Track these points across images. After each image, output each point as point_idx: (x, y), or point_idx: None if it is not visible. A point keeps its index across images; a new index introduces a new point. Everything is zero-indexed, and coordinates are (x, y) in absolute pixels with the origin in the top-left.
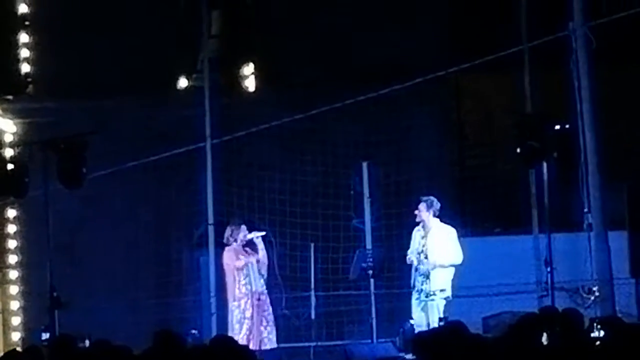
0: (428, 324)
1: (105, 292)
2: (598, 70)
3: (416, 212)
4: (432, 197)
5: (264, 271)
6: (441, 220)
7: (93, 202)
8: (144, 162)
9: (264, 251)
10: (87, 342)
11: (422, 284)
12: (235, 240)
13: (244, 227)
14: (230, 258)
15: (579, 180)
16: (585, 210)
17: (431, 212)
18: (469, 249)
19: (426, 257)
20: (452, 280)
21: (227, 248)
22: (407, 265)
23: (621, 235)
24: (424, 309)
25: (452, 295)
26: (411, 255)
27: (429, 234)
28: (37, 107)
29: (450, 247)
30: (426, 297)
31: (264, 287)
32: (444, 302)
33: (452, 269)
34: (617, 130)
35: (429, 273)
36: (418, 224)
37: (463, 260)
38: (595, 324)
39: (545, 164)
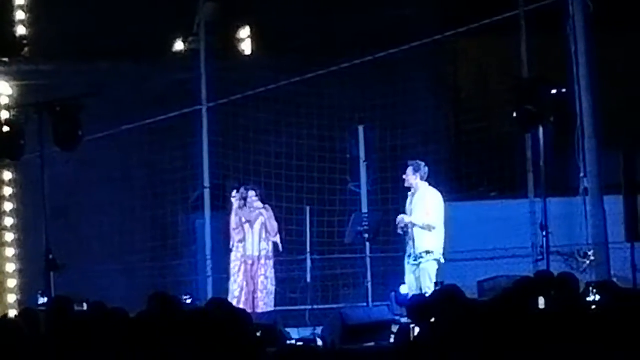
0: (420, 288)
1: (100, 255)
2: (595, 35)
3: (404, 176)
4: (419, 161)
5: (272, 236)
6: (431, 185)
7: (89, 165)
8: (140, 125)
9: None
10: (84, 306)
11: (410, 248)
12: (244, 201)
13: (242, 189)
14: (232, 219)
15: (575, 144)
16: (581, 174)
17: (418, 175)
18: (465, 213)
19: (411, 222)
20: (447, 243)
21: (233, 209)
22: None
23: (617, 199)
24: (415, 273)
25: (447, 258)
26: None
27: (414, 197)
28: (33, 69)
29: (430, 209)
30: (415, 260)
31: (266, 250)
32: (435, 265)
33: (440, 231)
34: (614, 95)
35: (414, 237)
36: (409, 189)
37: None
38: (591, 288)
39: (541, 128)
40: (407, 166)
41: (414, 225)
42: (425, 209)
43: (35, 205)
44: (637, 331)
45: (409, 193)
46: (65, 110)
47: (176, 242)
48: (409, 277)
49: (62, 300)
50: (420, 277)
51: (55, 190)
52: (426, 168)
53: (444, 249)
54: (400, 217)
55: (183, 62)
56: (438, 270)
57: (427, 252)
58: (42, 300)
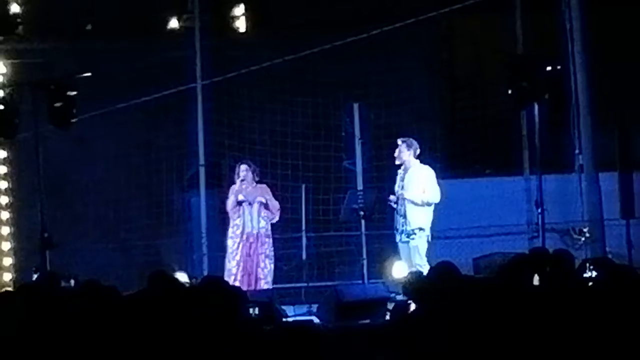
0: (411, 265)
1: (95, 234)
2: (590, 11)
3: (396, 154)
4: (410, 138)
5: (273, 213)
6: (425, 162)
7: (83, 143)
8: (135, 104)
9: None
10: (72, 282)
11: (402, 225)
12: (242, 179)
13: (243, 166)
14: (229, 196)
15: (570, 121)
16: (576, 151)
17: (411, 152)
18: (460, 190)
19: (403, 198)
20: (442, 221)
21: (230, 187)
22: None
23: (612, 176)
24: (404, 250)
25: (443, 236)
26: (394, 196)
27: (407, 174)
28: (27, 48)
29: (427, 186)
30: (407, 237)
31: (265, 229)
32: (425, 242)
33: (430, 209)
34: (609, 72)
35: (405, 213)
36: (400, 166)
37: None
38: (587, 265)
39: (536, 106)
40: (399, 143)
41: (409, 201)
42: (422, 185)
43: (30, 184)
44: (632, 307)
45: (400, 170)
46: (59, 88)
47: (171, 220)
48: (403, 254)
49: (50, 276)
50: (411, 254)
51: (49, 168)
52: (417, 144)
53: (440, 226)
54: (395, 195)
55: (178, 40)
56: (428, 247)
57: (420, 229)
58: (36, 276)
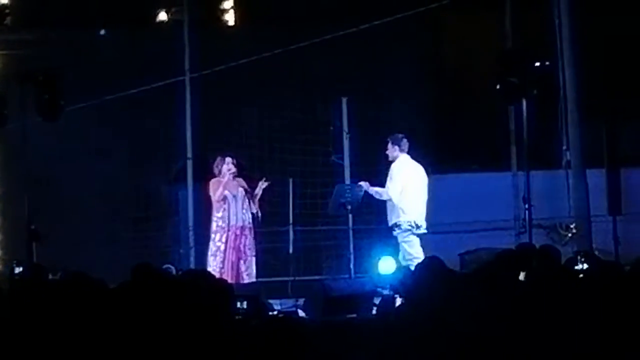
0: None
1: (83, 226)
2: (579, 8)
3: (387, 151)
4: (398, 134)
5: (255, 206)
6: (413, 157)
7: (71, 134)
8: (123, 96)
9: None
10: (58, 275)
11: (389, 220)
12: (220, 172)
13: (229, 159)
14: (212, 189)
15: (558, 117)
16: (564, 147)
17: (397, 147)
18: (447, 185)
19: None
20: (429, 216)
21: (211, 180)
22: (384, 201)
23: (599, 173)
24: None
25: (430, 231)
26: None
27: (391, 171)
28: (15, 39)
29: (400, 180)
30: (393, 230)
31: (249, 221)
32: (409, 237)
33: (414, 203)
34: (597, 68)
35: (386, 208)
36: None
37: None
38: (579, 257)
39: (524, 101)
40: (387, 141)
41: (387, 197)
42: (395, 180)
43: (17, 175)
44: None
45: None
46: (47, 79)
47: (158, 213)
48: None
49: (35, 269)
50: (400, 248)
51: (37, 160)
52: (405, 140)
53: (427, 221)
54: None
55: (166, 32)
56: (413, 242)
57: (396, 225)
58: (18, 269)
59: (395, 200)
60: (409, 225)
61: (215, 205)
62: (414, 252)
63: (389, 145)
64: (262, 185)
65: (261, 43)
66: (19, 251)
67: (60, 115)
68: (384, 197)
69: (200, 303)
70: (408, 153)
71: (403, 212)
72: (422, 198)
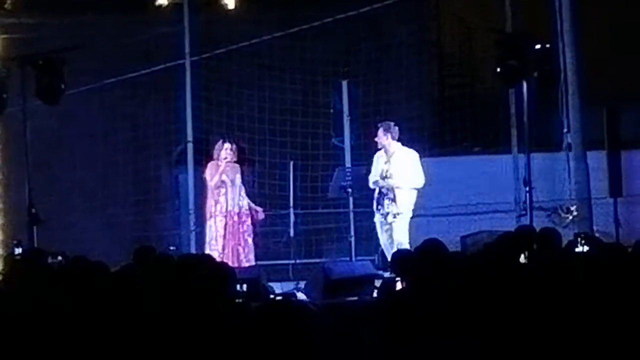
0: (391, 244)
1: (83, 209)
2: None
3: (376, 138)
4: (389, 122)
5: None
6: (413, 140)
7: (72, 118)
8: (123, 79)
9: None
10: (58, 258)
11: (387, 207)
12: (218, 157)
13: (227, 145)
14: (208, 174)
15: (559, 100)
16: (565, 130)
17: (389, 135)
18: (448, 168)
19: (391, 182)
20: (429, 198)
21: (209, 163)
22: None
23: (600, 155)
24: (388, 230)
25: (431, 214)
26: (376, 178)
27: (392, 158)
28: (16, 22)
29: (412, 171)
30: (393, 217)
31: (246, 207)
32: (407, 223)
33: (415, 191)
34: (598, 50)
35: (394, 196)
36: (380, 149)
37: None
38: (579, 239)
39: (525, 84)
40: (377, 128)
41: (397, 186)
42: (409, 171)
43: (17, 159)
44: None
45: (379, 153)
46: (48, 63)
47: (159, 196)
48: (382, 235)
49: (34, 252)
50: (394, 234)
51: (37, 143)
52: (396, 128)
53: (427, 204)
54: (392, 183)
55: (166, 15)
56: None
57: (405, 211)
58: (18, 250)
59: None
60: (412, 210)
61: (210, 189)
62: (407, 237)
63: (380, 132)
64: (260, 216)
65: (261, 26)
66: (20, 235)
67: (60, 99)
68: (411, 187)
69: (201, 286)
70: (398, 140)
71: (412, 199)
72: None
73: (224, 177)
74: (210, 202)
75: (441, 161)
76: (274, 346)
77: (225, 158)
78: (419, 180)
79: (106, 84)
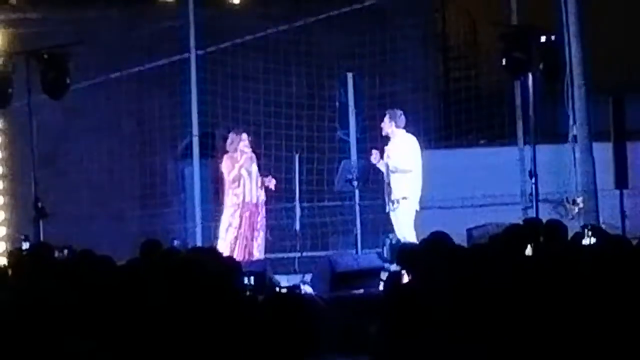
0: (396, 233)
1: (89, 203)
2: None
3: (382, 125)
4: (396, 110)
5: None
6: (413, 132)
7: (77, 113)
8: (129, 73)
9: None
10: (65, 252)
11: (387, 194)
12: (236, 149)
13: (244, 135)
14: (226, 166)
15: (565, 92)
16: (571, 122)
17: (393, 123)
18: (454, 160)
19: (387, 168)
20: (436, 191)
21: (225, 155)
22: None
23: (606, 147)
24: (395, 218)
25: (437, 206)
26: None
27: (391, 143)
28: (21, 17)
29: (404, 154)
30: (392, 205)
31: (263, 198)
32: (411, 212)
33: (416, 178)
34: (603, 41)
35: (390, 182)
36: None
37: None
38: (586, 231)
39: (530, 76)
40: (384, 114)
41: (391, 170)
42: (400, 153)
43: (23, 154)
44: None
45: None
46: (53, 58)
47: (165, 190)
48: (394, 223)
49: (43, 246)
50: (396, 223)
51: (43, 138)
52: (402, 116)
53: (433, 196)
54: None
55: (171, 9)
56: (415, 217)
57: (403, 198)
58: (25, 245)
59: (414, 171)
60: (415, 201)
61: (227, 183)
62: (411, 227)
63: (386, 119)
64: (270, 182)
65: (267, 19)
66: (26, 229)
67: (65, 93)
68: (398, 170)
69: (208, 280)
70: (404, 128)
71: (412, 185)
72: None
73: (242, 171)
74: (228, 195)
75: (447, 154)
76: (278, 338)
77: (243, 150)
78: (409, 163)
79: (111, 78)
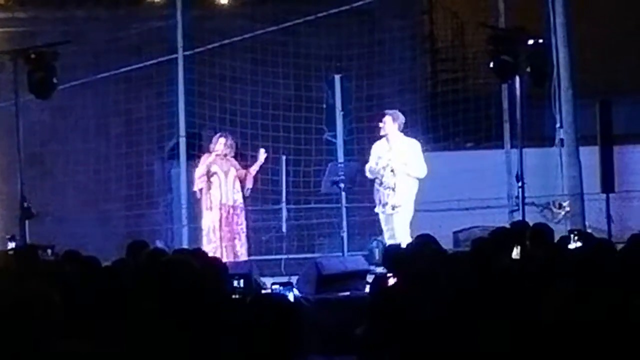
0: (393, 237)
1: (75, 204)
2: None
3: (381, 124)
4: (397, 111)
5: (249, 184)
6: (407, 135)
7: (64, 112)
8: (116, 74)
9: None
10: (49, 252)
11: (387, 197)
12: (209, 150)
13: (222, 139)
14: (199, 165)
15: (552, 95)
16: (557, 125)
17: (396, 125)
18: (441, 163)
19: (392, 171)
20: (419, 194)
21: (203, 156)
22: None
23: (592, 150)
24: (389, 222)
25: (423, 209)
26: (377, 168)
27: (394, 148)
28: (8, 17)
29: (415, 160)
30: (392, 209)
31: (240, 201)
32: (409, 215)
33: (417, 182)
34: (591, 45)
35: (395, 186)
36: (380, 138)
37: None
38: (572, 235)
39: (517, 79)
40: (385, 114)
41: (399, 174)
42: (412, 161)
43: (9, 153)
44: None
45: (378, 143)
46: (40, 57)
47: (151, 191)
48: (385, 227)
49: (27, 247)
50: (395, 227)
51: (30, 138)
52: (403, 118)
53: (420, 199)
54: (393, 174)
55: (159, 10)
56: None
57: (406, 203)
58: (11, 244)
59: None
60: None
61: (204, 181)
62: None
63: (389, 120)
64: (262, 156)
65: (254, 20)
66: (12, 229)
67: (52, 93)
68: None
69: (193, 281)
70: (401, 131)
71: (414, 189)
72: None
73: (214, 168)
74: (202, 194)
75: (433, 156)
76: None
77: (216, 151)
78: (422, 169)
79: (99, 78)
